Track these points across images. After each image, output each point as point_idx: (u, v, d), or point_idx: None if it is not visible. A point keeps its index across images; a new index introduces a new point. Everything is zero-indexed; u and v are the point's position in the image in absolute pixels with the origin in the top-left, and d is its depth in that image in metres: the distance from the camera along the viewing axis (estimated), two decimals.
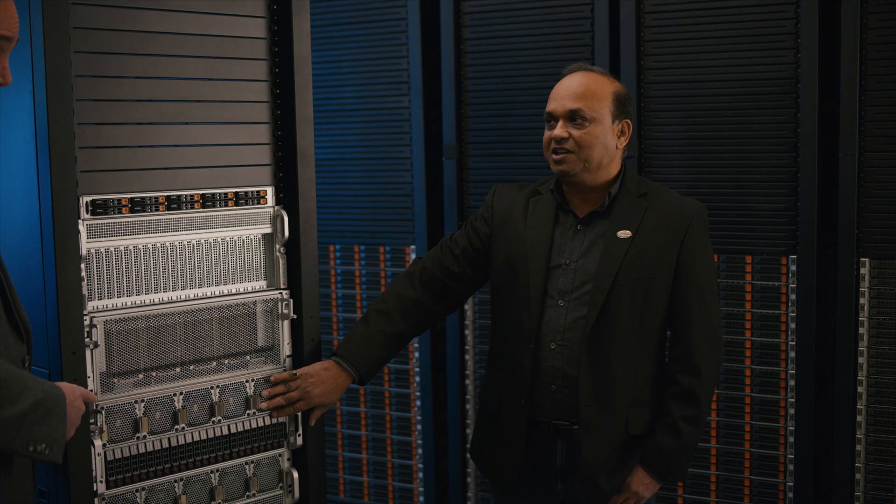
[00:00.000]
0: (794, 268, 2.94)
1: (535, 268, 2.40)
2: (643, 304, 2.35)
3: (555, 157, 2.38)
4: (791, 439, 2.97)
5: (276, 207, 2.50)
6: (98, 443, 2.20)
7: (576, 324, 2.36)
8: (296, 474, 2.53)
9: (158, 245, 2.32)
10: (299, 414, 2.50)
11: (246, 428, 2.45)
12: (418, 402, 3.49)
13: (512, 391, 2.43)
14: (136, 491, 2.27)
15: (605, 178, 2.41)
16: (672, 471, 2.39)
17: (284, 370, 2.51)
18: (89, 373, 2.18)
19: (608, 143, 2.37)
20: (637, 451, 2.40)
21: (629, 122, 2.41)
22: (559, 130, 2.36)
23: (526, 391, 2.40)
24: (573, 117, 2.35)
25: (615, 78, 2.46)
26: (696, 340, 2.35)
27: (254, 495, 2.47)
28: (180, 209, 2.34)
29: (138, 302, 2.29)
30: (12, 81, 2.18)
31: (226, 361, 2.43)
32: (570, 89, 2.37)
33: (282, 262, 2.50)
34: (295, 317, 2.51)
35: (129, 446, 2.26)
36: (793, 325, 2.95)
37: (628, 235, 2.36)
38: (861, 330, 2.85)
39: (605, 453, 2.36)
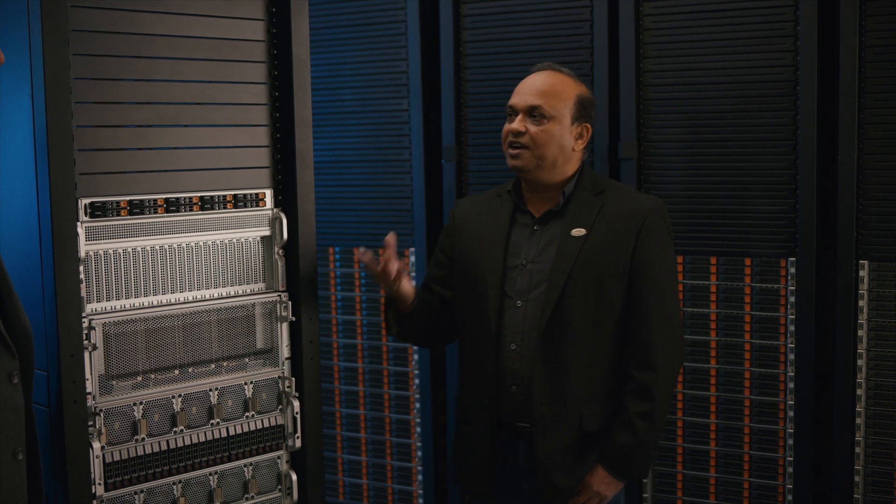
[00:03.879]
0: (793, 270, 2.93)
1: (492, 269, 2.42)
2: (598, 301, 2.36)
3: (511, 150, 2.40)
4: (790, 442, 2.97)
5: (275, 210, 2.50)
6: (97, 445, 2.20)
7: (533, 324, 2.37)
8: (294, 476, 2.53)
9: (157, 247, 2.32)
10: (298, 416, 2.50)
11: (245, 430, 2.45)
12: (417, 405, 3.49)
13: (478, 395, 2.46)
14: (135, 493, 2.27)
15: (561, 177, 2.42)
16: (631, 468, 2.40)
17: (283, 373, 2.51)
18: (88, 375, 2.19)
19: (564, 144, 2.39)
20: (594, 449, 2.41)
21: (589, 126, 2.43)
22: (517, 124, 2.39)
23: (490, 394, 2.41)
24: (532, 113, 2.38)
25: (583, 83, 2.48)
26: (652, 336, 2.35)
27: (252, 497, 2.47)
28: (179, 211, 2.34)
29: (137, 304, 2.29)
30: (12, 83, 2.19)
31: (224, 364, 2.43)
32: (534, 85, 2.40)
33: (280, 265, 2.50)
34: (294, 319, 2.51)
35: (128, 448, 2.26)
36: (792, 328, 2.95)
37: (582, 233, 2.37)
38: (860, 332, 2.85)
39: (560, 451, 2.37)
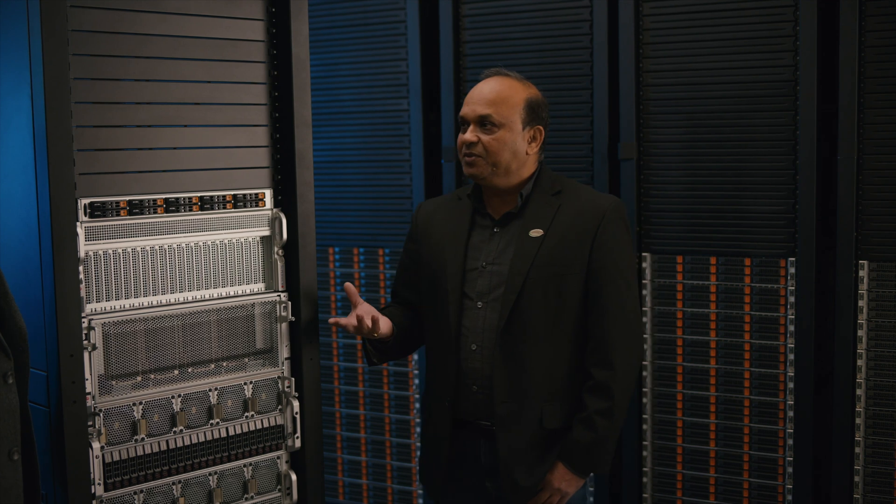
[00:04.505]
0: (793, 270, 2.94)
1: (452, 271, 2.44)
2: (557, 300, 2.38)
3: (466, 160, 2.43)
4: (790, 442, 2.97)
5: (275, 210, 2.50)
6: (96, 445, 2.20)
7: (493, 324, 2.40)
8: (294, 476, 2.53)
9: (157, 247, 2.32)
10: (298, 416, 2.50)
11: (244, 430, 2.45)
12: (417, 405, 3.49)
13: (439, 395, 2.48)
14: (135, 493, 2.27)
15: (518, 180, 2.44)
16: (591, 465, 2.40)
17: (282, 373, 2.51)
18: (87, 375, 2.19)
19: (517, 149, 2.41)
20: (556, 447, 2.42)
21: (542, 128, 2.45)
22: (469, 135, 2.41)
23: (450, 394, 2.44)
24: (483, 122, 2.40)
25: (532, 84, 2.49)
26: (610, 334, 2.36)
27: (252, 497, 2.47)
28: (178, 212, 2.34)
29: (136, 304, 2.29)
30: (11, 84, 2.19)
31: (224, 364, 2.43)
32: (482, 94, 2.42)
33: (280, 265, 2.50)
34: (293, 319, 2.51)
35: (128, 448, 2.26)
36: (792, 328, 2.95)
37: (540, 234, 2.39)
38: (860, 332, 2.85)
39: (521, 449, 2.39)
